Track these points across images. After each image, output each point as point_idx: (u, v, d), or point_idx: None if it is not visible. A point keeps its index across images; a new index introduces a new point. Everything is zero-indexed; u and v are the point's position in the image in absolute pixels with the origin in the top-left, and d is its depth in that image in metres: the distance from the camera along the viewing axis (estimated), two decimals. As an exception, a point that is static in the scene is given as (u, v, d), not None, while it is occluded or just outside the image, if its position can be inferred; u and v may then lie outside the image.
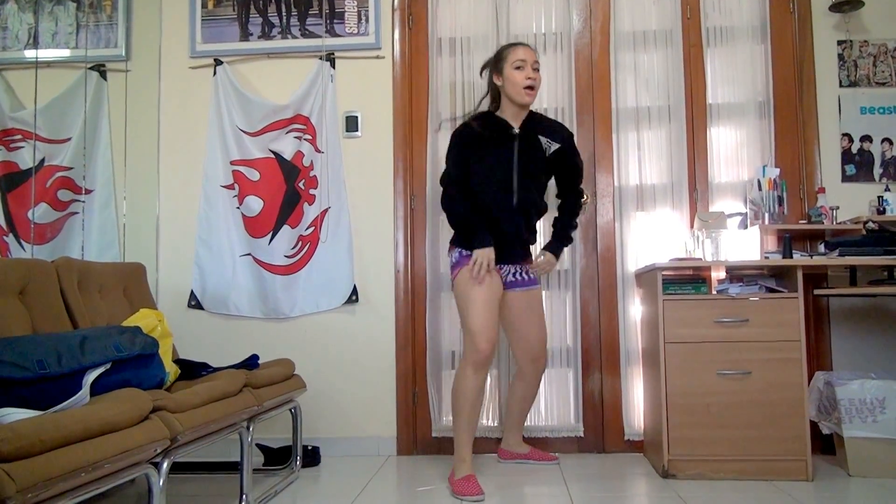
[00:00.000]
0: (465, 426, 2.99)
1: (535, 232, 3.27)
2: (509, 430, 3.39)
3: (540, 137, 3.12)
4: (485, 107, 3.25)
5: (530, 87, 3.04)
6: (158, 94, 3.82)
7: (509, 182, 3.05)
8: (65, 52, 3.86)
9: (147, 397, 2.02)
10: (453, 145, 3.13)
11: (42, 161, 3.76)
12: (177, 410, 2.12)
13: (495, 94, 3.18)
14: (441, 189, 3.15)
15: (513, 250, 3.13)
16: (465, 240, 3.06)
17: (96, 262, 3.31)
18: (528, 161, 3.08)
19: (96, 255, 3.65)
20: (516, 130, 3.09)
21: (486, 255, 2.97)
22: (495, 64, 3.13)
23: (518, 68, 3.03)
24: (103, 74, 3.82)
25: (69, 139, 3.77)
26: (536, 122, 3.16)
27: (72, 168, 3.76)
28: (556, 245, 3.27)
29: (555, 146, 3.14)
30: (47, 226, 3.72)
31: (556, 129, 3.20)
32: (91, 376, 2.01)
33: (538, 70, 3.08)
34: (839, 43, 3.62)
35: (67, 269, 2.77)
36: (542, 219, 3.33)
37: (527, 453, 3.36)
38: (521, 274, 3.19)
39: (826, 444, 3.32)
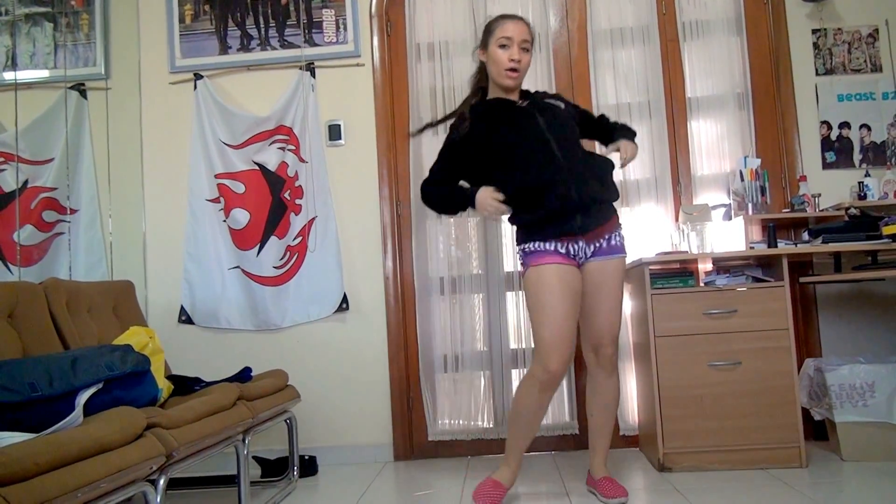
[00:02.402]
0: (517, 437, 2.71)
1: (607, 185, 2.70)
2: (591, 450, 2.85)
3: (547, 101, 2.77)
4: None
5: (513, 70, 2.65)
6: (140, 111, 3.82)
7: (547, 145, 2.60)
8: (44, 73, 3.85)
9: (141, 415, 2.01)
10: (442, 152, 2.80)
11: (26, 183, 3.74)
12: (171, 427, 2.12)
13: (482, 72, 2.81)
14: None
15: (584, 217, 2.60)
16: (461, 205, 2.73)
17: (84, 281, 3.30)
18: (552, 119, 2.65)
19: (84, 275, 3.64)
20: (521, 103, 2.72)
21: (485, 195, 2.62)
22: (483, 38, 2.75)
23: (503, 46, 2.64)
24: (83, 93, 3.81)
25: (52, 160, 3.75)
26: (533, 95, 2.80)
27: (56, 188, 3.74)
28: (622, 133, 2.76)
29: (562, 104, 2.77)
30: (34, 247, 3.70)
31: (555, 96, 2.87)
32: (84, 397, 2.01)
33: (528, 50, 2.68)
34: (814, 32, 3.66)
35: (56, 290, 2.76)
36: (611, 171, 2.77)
37: (597, 480, 2.78)
38: (598, 242, 2.66)
39: (818, 430, 3.35)
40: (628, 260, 3.47)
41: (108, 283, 3.42)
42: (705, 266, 3.35)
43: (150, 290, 3.73)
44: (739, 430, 2.99)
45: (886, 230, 3.03)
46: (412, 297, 3.68)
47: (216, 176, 3.72)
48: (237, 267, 3.69)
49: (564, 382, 3.58)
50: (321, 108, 3.74)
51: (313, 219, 3.68)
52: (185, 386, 2.76)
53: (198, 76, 3.76)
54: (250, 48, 3.80)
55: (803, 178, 3.50)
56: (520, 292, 3.62)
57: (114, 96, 3.82)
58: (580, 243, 2.62)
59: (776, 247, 3.12)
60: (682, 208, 3.48)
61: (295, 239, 3.68)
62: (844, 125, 3.62)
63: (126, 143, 3.80)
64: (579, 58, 3.74)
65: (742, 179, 3.41)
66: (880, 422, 2.99)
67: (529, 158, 2.61)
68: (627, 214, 3.64)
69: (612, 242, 2.68)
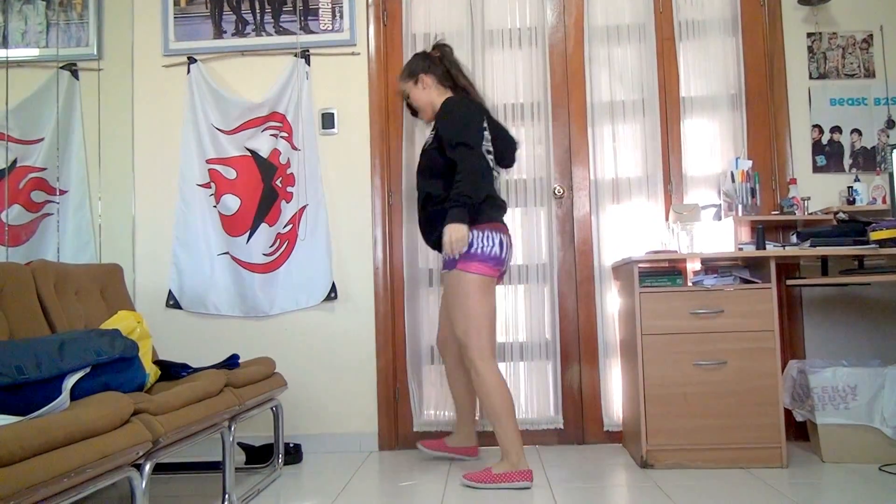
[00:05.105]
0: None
1: (431, 222, 3.10)
2: (464, 423, 3.40)
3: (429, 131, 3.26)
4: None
5: (413, 113, 3.41)
6: (132, 93, 3.79)
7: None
8: (35, 52, 3.82)
9: (128, 400, 2.01)
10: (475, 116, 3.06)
11: (14, 162, 3.71)
12: (158, 413, 2.11)
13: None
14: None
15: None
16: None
17: (72, 264, 3.28)
18: (422, 154, 3.22)
19: (72, 257, 3.62)
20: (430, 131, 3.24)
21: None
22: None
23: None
24: (75, 74, 3.78)
25: (42, 139, 3.73)
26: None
27: (45, 169, 3.72)
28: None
29: (431, 134, 3.19)
30: (21, 227, 3.68)
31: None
32: (71, 381, 2.00)
33: (406, 98, 3.33)
34: (809, 35, 3.67)
35: (43, 271, 2.75)
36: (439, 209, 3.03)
37: (472, 447, 3.39)
38: (445, 257, 3.02)
39: (800, 431, 3.39)
40: (617, 258, 3.54)
41: (97, 266, 3.41)
42: (694, 266, 3.37)
43: (139, 273, 3.72)
44: (722, 428, 3.02)
45: (874, 235, 3.06)
46: (401, 288, 3.68)
47: (208, 161, 3.70)
48: (226, 253, 3.68)
49: (550, 379, 3.61)
50: (315, 96, 3.73)
51: (304, 207, 3.67)
52: (173, 372, 2.76)
53: (191, 60, 3.74)
54: (245, 33, 3.78)
55: (793, 180, 3.52)
56: (508, 285, 3.65)
57: (106, 77, 3.80)
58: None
59: (764, 249, 3.14)
60: (672, 207, 3.50)
61: (285, 227, 3.68)
62: (836, 129, 3.64)
63: (117, 125, 3.77)
64: (575, 53, 3.74)
65: (733, 180, 3.43)
66: (861, 424, 3.02)
67: None
68: (618, 211, 3.66)
69: (446, 258, 3.04)
